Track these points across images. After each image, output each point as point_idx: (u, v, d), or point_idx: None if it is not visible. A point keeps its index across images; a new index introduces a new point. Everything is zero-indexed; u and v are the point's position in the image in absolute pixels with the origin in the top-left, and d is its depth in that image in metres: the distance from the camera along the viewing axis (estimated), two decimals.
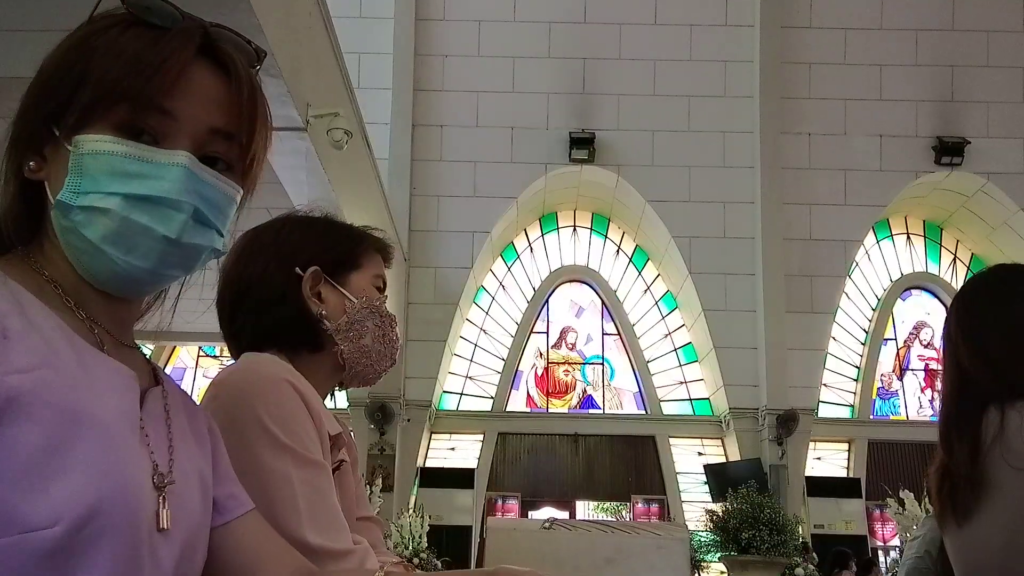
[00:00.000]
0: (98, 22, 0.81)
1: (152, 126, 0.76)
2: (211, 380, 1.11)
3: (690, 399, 12.46)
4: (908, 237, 13.12)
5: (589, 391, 12.57)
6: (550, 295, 12.92)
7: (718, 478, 10.70)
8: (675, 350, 12.64)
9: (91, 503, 0.66)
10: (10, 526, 0.63)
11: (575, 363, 12.71)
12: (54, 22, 5.20)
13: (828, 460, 12.04)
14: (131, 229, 0.75)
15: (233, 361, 1.21)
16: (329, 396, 1.31)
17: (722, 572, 8.43)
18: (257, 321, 1.22)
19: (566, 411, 12.46)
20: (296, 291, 1.22)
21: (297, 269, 1.22)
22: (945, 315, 1.64)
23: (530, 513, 11.57)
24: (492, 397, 12.33)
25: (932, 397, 12.33)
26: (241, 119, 0.81)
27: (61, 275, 0.78)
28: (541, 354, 12.70)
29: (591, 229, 13.17)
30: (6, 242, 0.80)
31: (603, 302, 12.90)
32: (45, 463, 0.65)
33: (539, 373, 12.62)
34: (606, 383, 12.61)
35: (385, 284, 1.33)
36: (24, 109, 0.80)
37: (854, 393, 12.38)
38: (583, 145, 11.86)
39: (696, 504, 11.20)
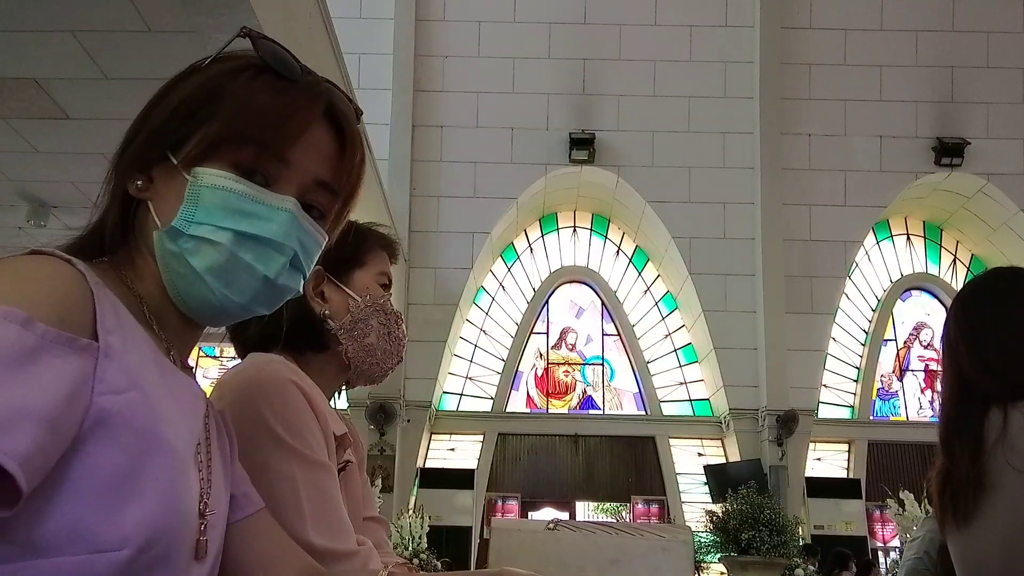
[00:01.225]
0: (229, 62, 0.83)
1: (267, 170, 0.80)
2: (216, 381, 1.11)
3: (690, 400, 12.46)
4: (908, 238, 13.12)
5: (589, 392, 12.57)
6: (550, 296, 12.92)
7: (718, 479, 10.70)
8: (675, 351, 12.64)
9: (156, 528, 0.68)
10: (83, 545, 0.64)
11: (575, 364, 12.71)
12: (55, 24, 5.20)
13: (828, 461, 12.04)
14: (236, 265, 0.78)
15: (238, 361, 1.20)
16: (336, 395, 1.30)
17: (722, 573, 8.44)
18: (260, 322, 1.21)
19: (566, 412, 12.46)
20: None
21: None
22: (944, 318, 1.63)
23: (530, 514, 11.57)
24: (492, 398, 12.33)
25: (932, 398, 12.33)
26: (348, 178, 0.87)
27: (147, 292, 0.80)
28: (541, 355, 12.70)
29: (591, 230, 13.17)
30: (97, 249, 0.81)
31: (603, 303, 12.90)
32: (123, 485, 0.66)
33: (539, 374, 12.62)
34: (606, 384, 12.61)
35: (391, 281, 1.32)
36: (141, 129, 0.82)
37: (854, 394, 12.38)
38: (583, 146, 11.86)
39: (696, 505, 11.20)
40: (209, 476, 0.80)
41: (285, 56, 0.83)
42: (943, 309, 12.38)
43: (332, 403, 1.25)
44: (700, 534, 8.29)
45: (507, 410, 12.28)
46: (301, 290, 0.86)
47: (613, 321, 12.77)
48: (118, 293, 0.75)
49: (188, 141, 0.79)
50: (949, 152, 11.85)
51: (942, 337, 1.63)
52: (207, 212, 0.77)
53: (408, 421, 11.26)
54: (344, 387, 1.31)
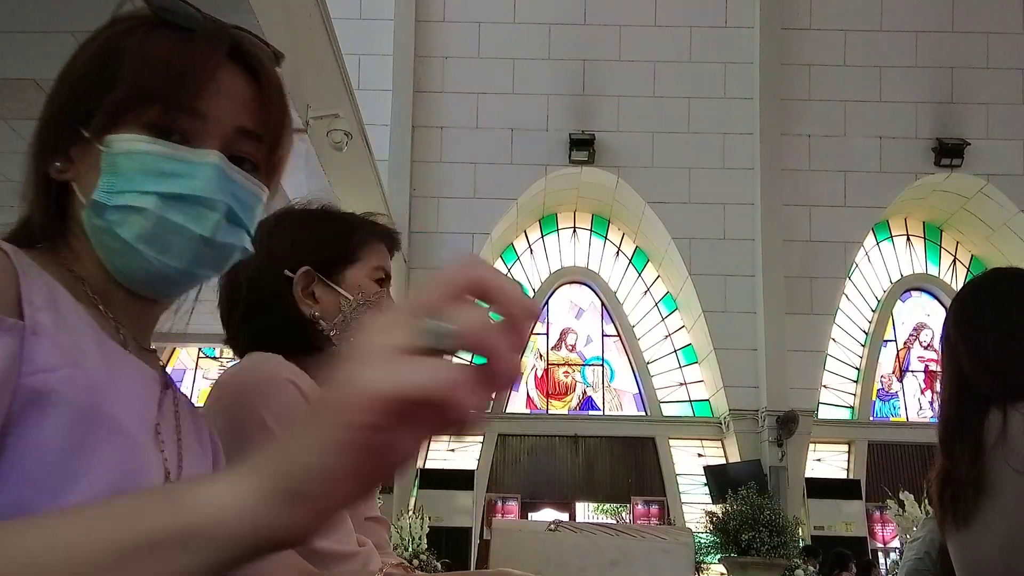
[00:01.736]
0: (121, 24, 0.80)
1: (182, 127, 0.76)
2: (214, 381, 1.11)
3: (690, 400, 12.46)
4: (908, 238, 13.13)
5: (589, 392, 12.57)
6: (550, 296, 12.92)
7: (718, 479, 10.70)
8: (675, 351, 12.64)
9: None
10: None
11: (575, 364, 12.71)
12: (55, 24, 5.20)
13: (828, 461, 12.04)
14: (166, 228, 0.75)
15: (236, 361, 1.19)
16: None
17: (722, 574, 8.43)
18: (250, 326, 1.20)
19: (566, 412, 12.46)
20: (288, 293, 1.19)
21: (287, 271, 1.19)
22: (944, 319, 1.63)
23: (530, 515, 11.56)
24: (492, 399, 12.29)
25: (932, 399, 12.33)
26: (269, 121, 0.81)
27: (89, 274, 0.78)
28: (541, 355, 12.70)
29: (591, 230, 13.17)
30: (32, 238, 0.79)
31: (603, 303, 12.90)
32: (67, 465, 0.64)
33: (539, 374, 12.62)
34: (606, 384, 12.61)
35: (388, 275, 1.28)
36: (50, 111, 0.79)
37: (854, 395, 12.38)
38: (583, 146, 11.87)
39: (696, 506, 11.20)
40: (179, 463, 0.78)
41: (180, 6, 0.78)
42: (943, 310, 12.36)
43: None
44: (700, 535, 8.28)
45: (507, 411, 12.27)
46: (250, 248, 0.82)
47: (613, 322, 12.77)
48: (56, 276, 0.73)
49: (97, 112, 0.75)
50: (949, 153, 11.86)
51: (941, 338, 1.63)
52: (127, 179, 0.74)
53: None
54: None
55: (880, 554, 11.13)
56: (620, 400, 12.54)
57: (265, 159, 0.83)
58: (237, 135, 0.79)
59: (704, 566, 8.65)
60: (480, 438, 12.10)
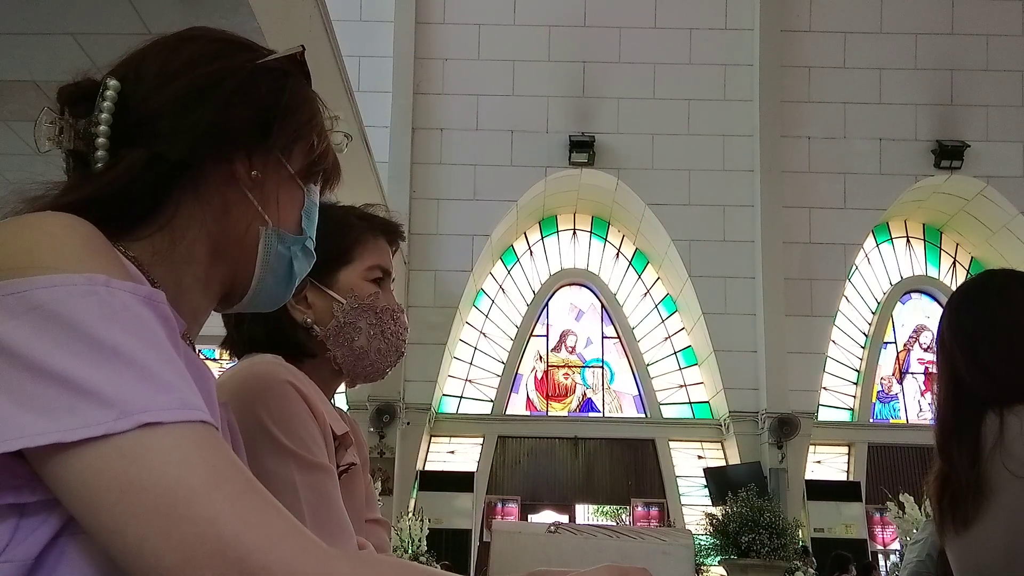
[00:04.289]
0: (307, 81, 0.87)
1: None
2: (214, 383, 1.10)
3: (690, 402, 12.46)
4: (908, 240, 13.13)
5: (589, 394, 12.57)
6: (550, 298, 12.92)
7: (718, 481, 10.69)
8: (675, 353, 12.64)
9: None
10: None
11: (575, 366, 12.71)
12: (55, 27, 5.21)
13: (828, 464, 12.04)
14: (304, 273, 0.88)
15: (235, 363, 1.18)
16: (340, 393, 1.27)
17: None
18: (243, 333, 1.19)
19: (566, 414, 12.46)
20: None
21: None
22: (939, 321, 1.63)
23: (530, 516, 11.56)
24: (492, 400, 12.33)
25: (932, 401, 12.31)
26: None
27: (164, 275, 0.74)
28: (541, 357, 12.70)
29: (591, 232, 13.17)
30: (109, 212, 0.71)
31: (603, 305, 12.90)
32: None
33: (539, 376, 12.62)
34: (606, 386, 12.61)
35: (385, 271, 1.25)
36: (255, 105, 0.78)
37: (854, 396, 12.38)
38: (583, 148, 11.87)
39: (696, 508, 11.19)
40: None
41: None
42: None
43: (332, 403, 1.23)
44: (700, 537, 8.28)
45: (507, 413, 12.27)
46: None
47: (613, 324, 12.77)
48: (161, 276, 0.73)
49: (295, 151, 0.83)
50: (949, 155, 11.86)
51: (937, 340, 1.62)
52: (310, 226, 0.86)
53: (408, 424, 11.26)
54: (346, 384, 1.27)
55: (880, 556, 11.12)
56: (620, 402, 12.54)
57: None
58: None
59: (704, 568, 8.65)
60: (480, 440, 12.10)
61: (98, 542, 0.57)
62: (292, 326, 1.18)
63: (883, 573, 10.12)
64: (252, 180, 0.78)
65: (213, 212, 0.77)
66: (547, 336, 12.80)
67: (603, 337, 12.81)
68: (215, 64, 0.77)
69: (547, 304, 12.90)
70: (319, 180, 0.88)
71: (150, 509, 0.55)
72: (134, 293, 0.61)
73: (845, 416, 12.30)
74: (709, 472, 11.30)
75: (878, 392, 12.50)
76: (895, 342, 12.75)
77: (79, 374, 0.55)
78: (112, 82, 0.74)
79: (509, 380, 12.38)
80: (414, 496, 11.02)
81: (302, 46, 0.86)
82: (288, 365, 1.10)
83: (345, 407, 10.43)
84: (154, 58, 0.77)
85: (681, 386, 12.52)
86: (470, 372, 12.46)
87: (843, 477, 11.90)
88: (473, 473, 11.47)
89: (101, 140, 0.72)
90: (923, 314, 12.83)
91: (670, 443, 12.09)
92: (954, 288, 1.79)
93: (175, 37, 0.80)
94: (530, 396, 12.52)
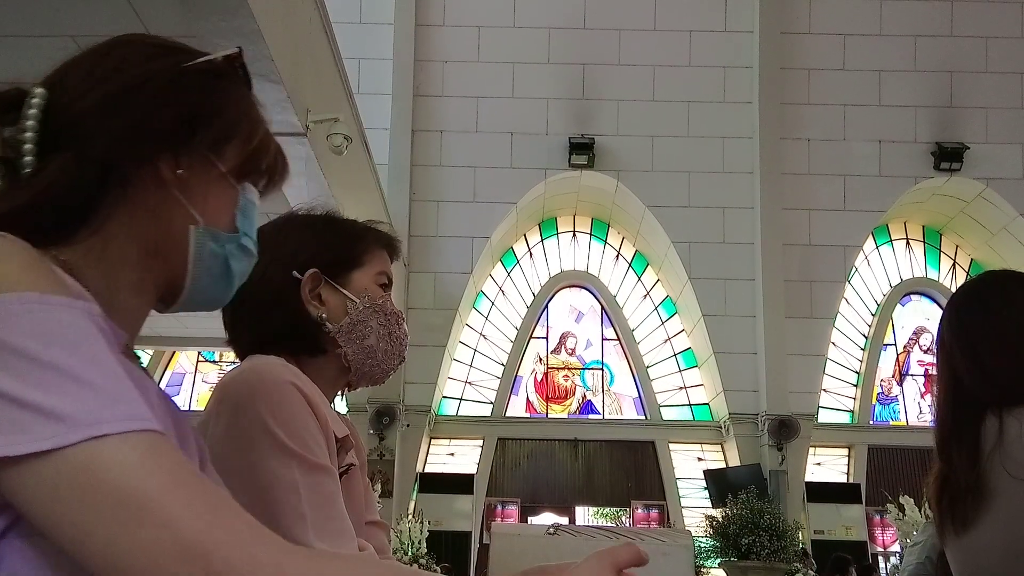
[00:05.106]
0: (243, 86, 0.87)
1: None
2: (216, 384, 1.10)
3: (690, 404, 12.46)
4: (907, 242, 13.13)
5: (589, 396, 12.56)
6: (550, 300, 12.92)
7: (718, 483, 10.69)
8: (675, 355, 12.64)
9: None
10: None
11: (575, 368, 12.71)
12: (54, 28, 5.21)
13: (828, 465, 12.03)
14: (245, 275, 0.87)
15: (236, 364, 1.19)
16: (339, 396, 1.29)
17: None
18: (256, 326, 1.20)
19: (566, 416, 12.45)
20: (295, 295, 1.19)
21: (295, 272, 1.20)
22: (939, 323, 1.63)
23: (530, 519, 11.55)
24: (492, 402, 12.32)
25: (932, 402, 12.31)
26: None
27: (95, 279, 0.75)
28: (541, 359, 12.70)
29: (591, 234, 13.18)
30: (38, 222, 0.71)
31: (603, 307, 12.90)
32: None
33: (539, 378, 12.62)
34: (606, 388, 12.60)
35: (391, 280, 1.30)
36: (181, 108, 0.79)
37: (854, 398, 12.38)
38: (583, 150, 11.87)
39: (696, 510, 11.18)
40: None
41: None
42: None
43: (332, 406, 1.24)
44: (700, 539, 8.28)
45: (507, 415, 12.27)
46: None
47: (613, 325, 12.77)
48: (93, 284, 0.73)
49: (226, 150, 0.82)
50: (948, 157, 11.87)
51: (936, 341, 1.62)
52: (249, 224, 0.85)
53: (408, 426, 11.26)
54: (346, 388, 1.29)
55: (880, 558, 11.12)
56: (620, 404, 12.54)
57: None
58: None
59: (704, 570, 8.64)
60: (480, 442, 12.09)
61: (66, 552, 0.59)
62: (307, 321, 1.20)
63: (883, 575, 10.11)
64: (178, 180, 0.78)
65: (143, 214, 0.78)
66: (547, 338, 12.80)
67: (603, 339, 12.81)
68: (141, 68, 0.78)
69: (547, 306, 12.90)
70: (261, 178, 0.88)
71: (108, 519, 0.57)
72: (70, 307, 0.62)
73: (845, 418, 12.30)
74: (709, 474, 11.30)
75: (878, 394, 12.50)
76: (895, 344, 12.75)
77: (25, 393, 0.57)
78: (38, 89, 0.76)
79: (509, 382, 12.38)
80: (414, 498, 11.02)
81: (239, 47, 0.86)
82: (291, 366, 1.11)
83: (344, 409, 10.45)
84: (82, 65, 0.79)
85: (681, 388, 12.52)
86: (470, 374, 12.46)
87: (843, 479, 11.90)
88: (473, 475, 11.47)
89: (28, 147, 0.73)
90: (923, 316, 12.83)
91: (670, 445, 12.09)
92: (954, 290, 1.79)
93: (105, 44, 0.81)
94: (530, 398, 12.52)
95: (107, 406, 0.59)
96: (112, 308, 0.73)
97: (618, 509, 11.88)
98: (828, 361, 12.26)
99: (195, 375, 12.81)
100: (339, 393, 1.30)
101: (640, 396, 12.43)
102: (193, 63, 0.81)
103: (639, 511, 11.77)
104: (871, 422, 12.32)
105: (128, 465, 0.58)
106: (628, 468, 12.11)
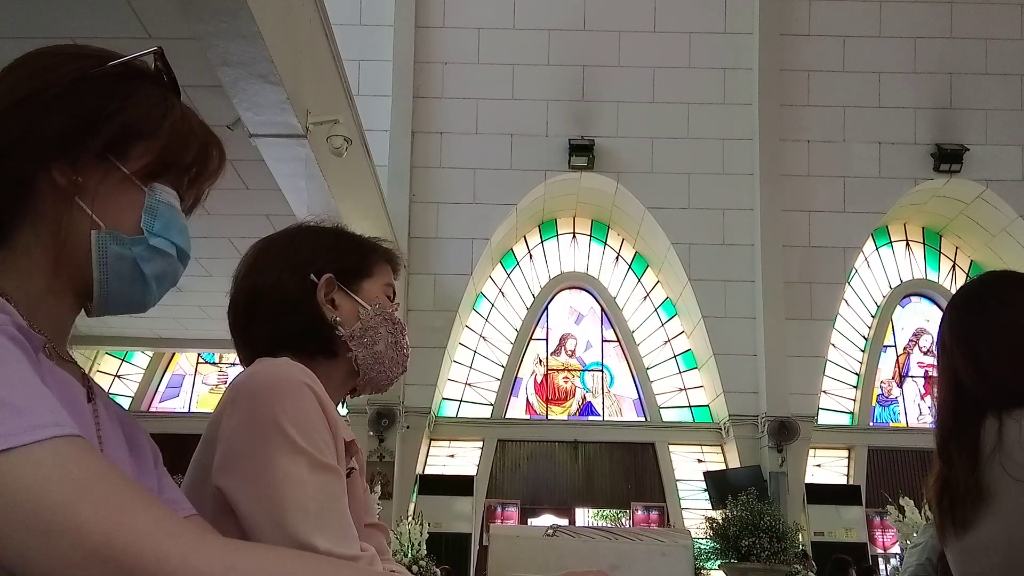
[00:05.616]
0: (157, 86, 0.86)
1: (182, 192, 0.89)
2: (229, 384, 1.12)
3: (690, 406, 12.46)
4: (907, 244, 13.14)
5: (588, 398, 12.56)
6: (549, 302, 12.92)
7: (718, 485, 10.69)
8: (674, 357, 12.64)
9: None
10: None
11: (574, 370, 12.70)
12: (55, 30, 5.21)
13: (828, 467, 12.03)
14: (172, 276, 0.86)
15: (238, 365, 1.21)
16: (342, 403, 1.31)
17: None
18: (272, 328, 1.23)
19: (565, 418, 12.45)
20: (310, 298, 1.23)
21: (312, 276, 1.24)
22: (939, 324, 1.63)
23: (529, 520, 11.54)
24: (491, 404, 12.32)
25: (932, 404, 12.31)
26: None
27: (27, 285, 0.79)
28: (541, 361, 12.70)
29: (590, 236, 13.18)
30: None
31: (602, 309, 12.90)
32: None
33: (538, 380, 12.61)
34: (605, 390, 12.60)
35: (395, 294, 1.35)
36: (73, 113, 0.79)
37: (854, 400, 12.38)
38: (582, 152, 11.88)
39: (696, 511, 11.18)
40: None
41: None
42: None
43: (338, 409, 1.25)
44: (700, 541, 8.27)
45: (507, 416, 12.27)
46: None
47: (613, 327, 12.77)
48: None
49: (131, 151, 0.82)
50: (948, 158, 11.87)
51: (937, 342, 1.61)
52: (164, 226, 0.84)
53: (407, 427, 11.25)
54: (349, 394, 1.32)
55: (880, 560, 11.12)
56: (620, 405, 12.54)
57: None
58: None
59: (704, 572, 8.63)
60: (480, 443, 12.09)
61: None
62: (321, 324, 1.24)
63: None
64: (76, 185, 0.79)
65: (48, 222, 0.79)
66: (547, 340, 12.80)
67: (603, 341, 12.81)
68: (37, 79, 0.79)
69: (547, 308, 12.90)
70: (184, 174, 0.87)
71: (22, 528, 0.59)
72: None
73: (845, 420, 12.30)
74: (709, 476, 11.30)
75: (878, 395, 12.50)
76: (895, 345, 12.75)
77: None
78: None
79: (509, 384, 12.37)
80: (414, 500, 11.01)
81: (158, 48, 0.87)
82: (305, 368, 1.12)
83: (344, 411, 10.45)
84: None
85: (681, 390, 12.51)
86: (470, 376, 12.46)
87: (843, 481, 11.90)
88: (473, 477, 11.46)
89: None
90: (923, 317, 12.84)
91: (670, 447, 12.09)
92: (954, 291, 1.79)
93: (16, 60, 0.82)
94: (530, 400, 12.52)
95: (11, 418, 0.60)
96: (34, 315, 0.76)
97: (618, 511, 11.88)
98: (828, 363, 12.26)
99: (195, 376, 12.82)
100: (343, 400, 1.32)
101: (640, 398, 12.43)
102: (100, 68, 0.81)
103: (639, 513, 11.77)
104: (871, 424, 12.32)
105: (36, 476, 0.59)
106: (628, 470, 12.10)
